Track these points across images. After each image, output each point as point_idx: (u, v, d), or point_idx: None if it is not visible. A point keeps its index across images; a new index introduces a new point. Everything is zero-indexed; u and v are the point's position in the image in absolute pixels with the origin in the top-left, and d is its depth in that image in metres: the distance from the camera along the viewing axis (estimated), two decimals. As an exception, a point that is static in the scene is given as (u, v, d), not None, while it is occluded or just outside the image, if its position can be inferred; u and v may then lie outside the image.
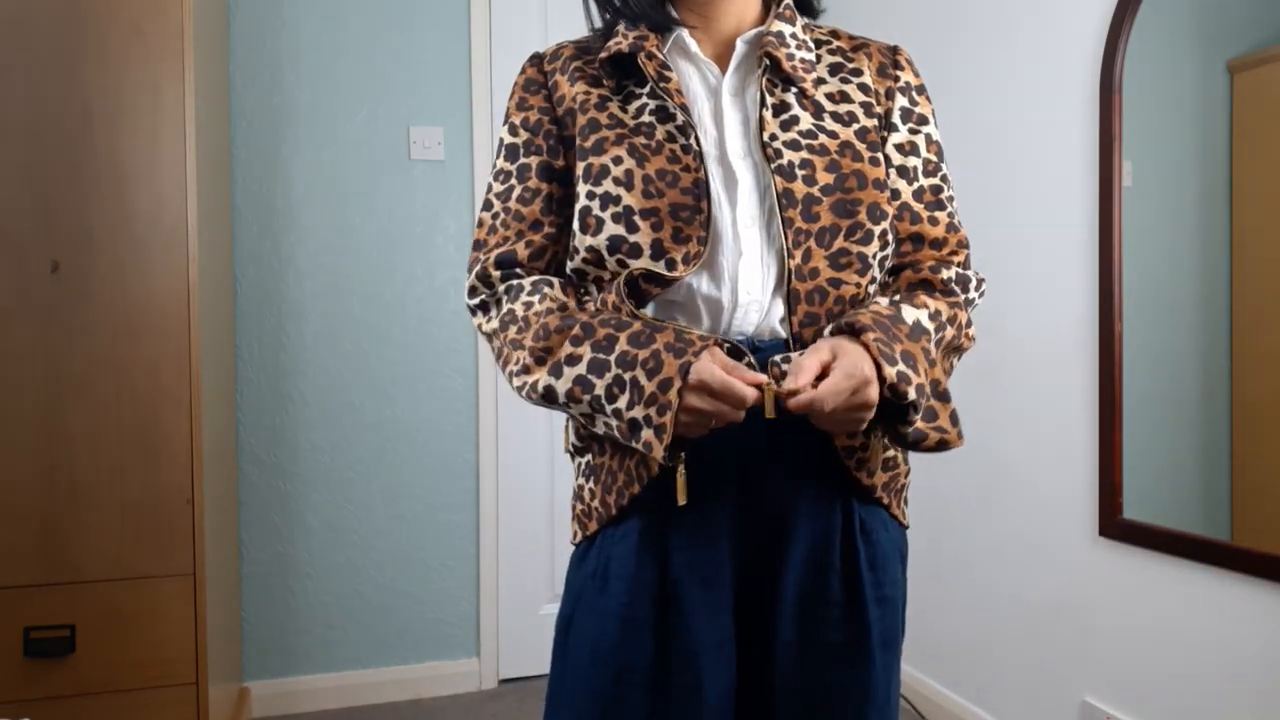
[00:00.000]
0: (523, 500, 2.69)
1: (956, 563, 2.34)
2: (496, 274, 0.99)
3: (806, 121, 0.95)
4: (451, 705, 2.57)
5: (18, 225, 1.76)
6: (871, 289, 0.96)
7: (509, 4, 2.67)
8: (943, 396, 0.90)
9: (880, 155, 0.98)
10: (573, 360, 0.88)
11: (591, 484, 0.98)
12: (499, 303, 0.99)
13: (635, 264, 0.91)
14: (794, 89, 0.97)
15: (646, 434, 0.83)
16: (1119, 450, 1.84)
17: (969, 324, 1.00)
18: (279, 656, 2.53)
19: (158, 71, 1.83)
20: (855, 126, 0.97)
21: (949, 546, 2.37)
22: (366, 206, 2.58)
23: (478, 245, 1.01)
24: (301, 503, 2.54)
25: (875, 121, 0.99)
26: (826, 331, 0.91)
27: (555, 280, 0.98)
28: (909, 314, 0.92)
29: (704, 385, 0.82)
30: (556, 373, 0.88)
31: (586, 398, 0.87)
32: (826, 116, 0.97)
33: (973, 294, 1.04)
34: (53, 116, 1.78)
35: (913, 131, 1.02)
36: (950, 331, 0.96)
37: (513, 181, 1.00)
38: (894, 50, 1.06)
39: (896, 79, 1.03)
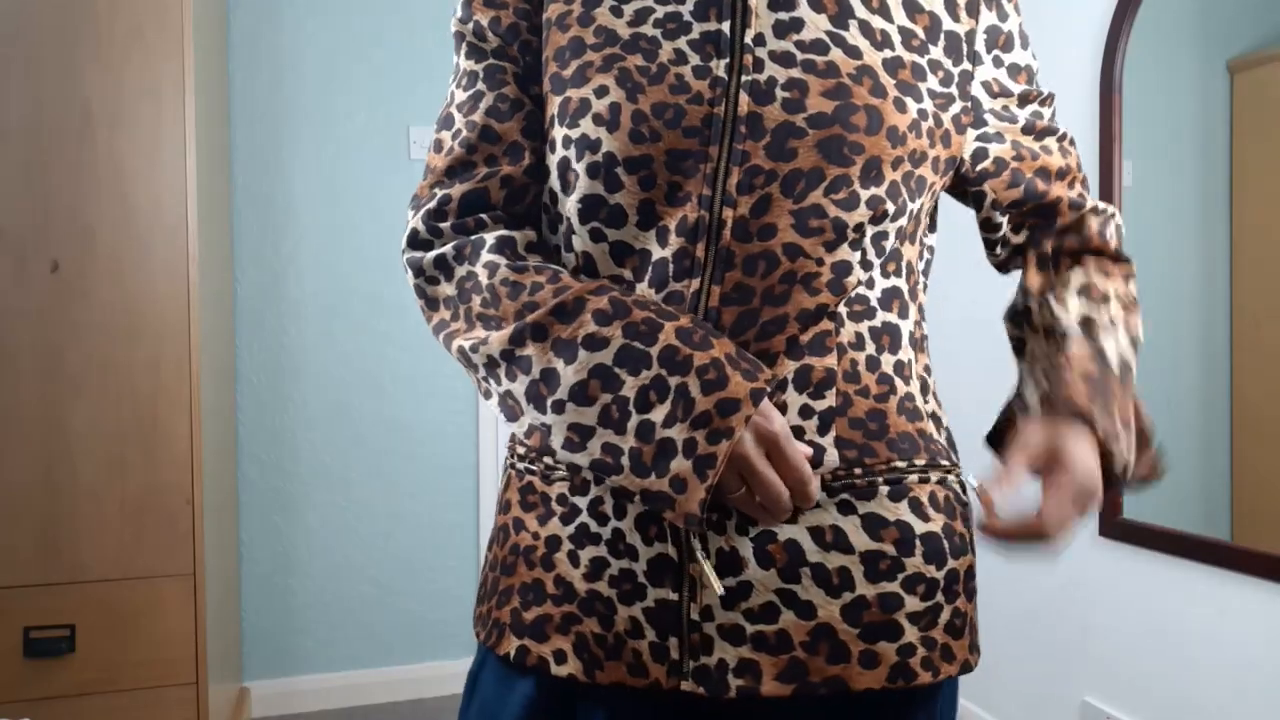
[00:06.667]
0: (523, 500, 2.69)
1: (956, 563, 2.34)
2: (456, 221, 0.71)
3: (815, 28, 0.66)
4: (452, 705, 2.56)
5: (18, 225, 1.76)
6: (856, 278, 0.67)
7: (509, 4, 2.67)
8: (1144, 439, 0.74)
9: (913, 100, 0.67)
10: (594, 342, 0.61)
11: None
12: (456, 260, 0.70)
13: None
14: None
15: (680, 466, 0.58)
16: (1119, 450, 1.84)
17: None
18: (279, 656, 2.53)
19: (158, 71, 1.83)
20: (887, 54, 0.67)
21: (949, 546, 2.37)
22: (366, 206, 2.58)
23: (433, 174, 0.73)
24: (301, 503, 2.54)
25: (921, 58, 0.69)
26: (1033, 403, 0.72)
27: (529, 236, 0.72)
28: (1111, 349, 0.72)
29: (774, 437, 0.60)
30: (568, 355, 0.62)
31: (606, 397, 0.61)
32: (853, 25, 0.67)
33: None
34: (53, 116, 1.78)
35: (1000, 61, 0.75)
36: (1137, 322, 0.78)
37: (481, 86, 0.72)
38: None
39: None
